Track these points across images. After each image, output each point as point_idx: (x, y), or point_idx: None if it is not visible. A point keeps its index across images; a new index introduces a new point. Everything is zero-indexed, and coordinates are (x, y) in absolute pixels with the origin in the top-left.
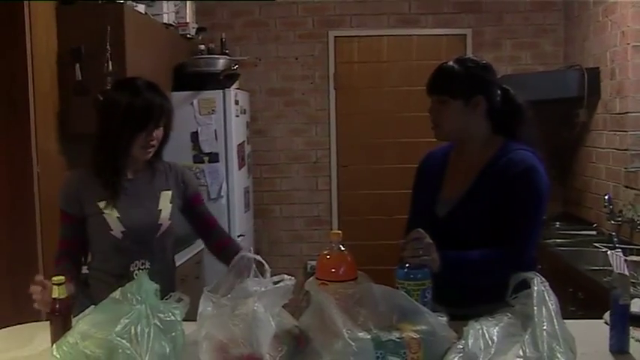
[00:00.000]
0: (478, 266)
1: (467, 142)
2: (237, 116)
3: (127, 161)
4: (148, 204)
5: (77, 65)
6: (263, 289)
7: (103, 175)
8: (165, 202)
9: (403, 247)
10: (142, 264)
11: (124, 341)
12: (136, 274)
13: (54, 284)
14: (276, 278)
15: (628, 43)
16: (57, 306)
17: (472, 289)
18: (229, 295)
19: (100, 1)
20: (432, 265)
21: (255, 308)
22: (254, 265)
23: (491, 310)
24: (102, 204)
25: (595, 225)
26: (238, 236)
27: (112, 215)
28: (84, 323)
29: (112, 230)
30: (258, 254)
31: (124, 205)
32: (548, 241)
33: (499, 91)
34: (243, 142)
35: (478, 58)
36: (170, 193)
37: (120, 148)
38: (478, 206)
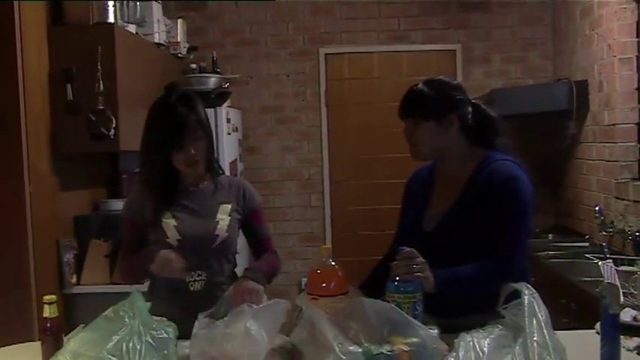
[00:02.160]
0: (471, 281)
1: (446, 159)
2: (229, 134)
3: (180, 175)
4: (206, 215)
5: (68, 85)
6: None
7: (157, 187)
8: (224, 215)
9: (397, 266)
10: (199, 275)
11: (115, 358)
12: (192, 285)
13: (45, 303)
14: (271, 302)
15: (614, 56)
16: (48, 325)
17: (461, 300)
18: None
19: (90, 22)
20: (426, 285)
21: (248, 325)
22: None
23: (480, 320)
24: (160, 212)
25: (587, 236)
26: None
27: (169, 224)
28: (75, 342)
29: (168, 238)
30: None
31: (182, 215)
32: (541, 253)
33: (470, 108)
34: (236, 159)
35: (447, 79)
36: (230, 206)
37: (161, 165)
38: (464, 219)
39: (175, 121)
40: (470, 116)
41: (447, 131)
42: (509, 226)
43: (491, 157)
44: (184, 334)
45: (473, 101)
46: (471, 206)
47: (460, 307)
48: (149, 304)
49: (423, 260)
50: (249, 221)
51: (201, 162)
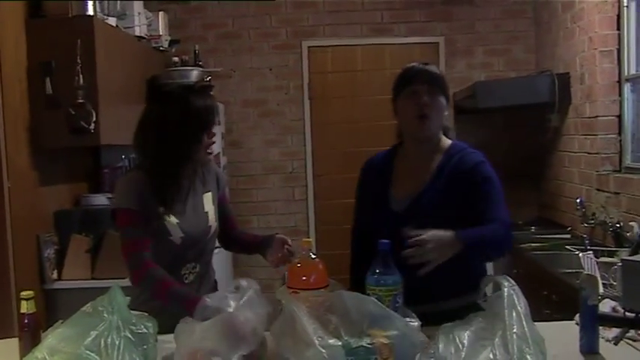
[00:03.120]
0: (490, 239)
1: (428, 142)
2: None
3: (181, 167)
4: (198, 208)
5: (47, 79)
6: (236, 301)
7: (164, 185)
8: (209, 204)
9: (412, 257)
10: (193, 267)
11: (93, 354)
12: (186, 277)
13: (22, 299)
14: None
15: (595, 49)
16: (25, 321)
17: (434, 286)
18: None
19: (69, 15)
20: (448, 253)
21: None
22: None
23: (452, 306)
24: (162, 211)
25: (569, 228)
26: (215, 248)
27: (171, 222)
28: (52, 338)
29: (171, 236)
30: (236, 266)
31: (180, 210)
32: (523, 245)
33: None
34: (219, 153)
35: None
36: (210, 194)
37: (183, 156)
38: (437, 199)
39: (210, 105)
40: None
41: (443, 116)
42: (497, 197)
43: (458, 146)
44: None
45: None
46: (443, 188)
47: (429, 294)
48: (129, 298)
49: (432, 238)
50: (221, 203)
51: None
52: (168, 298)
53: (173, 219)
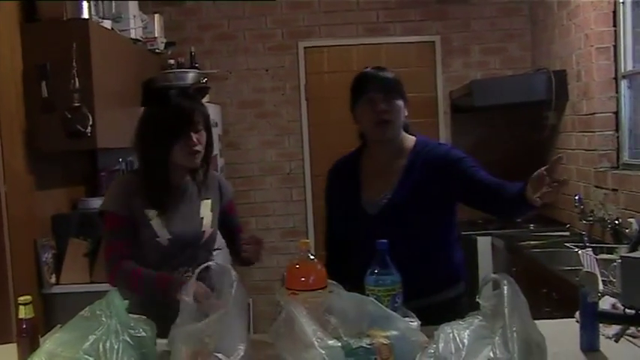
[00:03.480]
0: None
1: (390, 143)
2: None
3: (173, 170)
4: (192, 212)
5: (43, 82)
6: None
7: (151, 185)
8: (207, 211)
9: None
10: (186, 271)
11: (91, 358)
12: None
13: (20, 304)
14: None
15: (592, 46)
16: (23, 326)
17: (419, 282)
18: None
19: (64, 18)
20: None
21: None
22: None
23: (436, 301)
24: (149, 212)
25: (567, 225)
26: (214, 249)
27: (159, 223)
28: (51, 343)
29: (158, 238)
30: (234, 268)
31: (170, 213)
32: (522, 243)
33: None
34: (216, 155)
35: None
36: (210, 201)
37: (162, 158)
38: (412, 195)
39: (178, 111)
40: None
41: (403, 117)
42: (482, 170)
43: (424, 141)
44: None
45: None
46: (415, 184)
47: (420, 288)
48: (127, 302)
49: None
50: (225, 213)
51: (201, 154)
52: (142, 284)
53: (160, 220)
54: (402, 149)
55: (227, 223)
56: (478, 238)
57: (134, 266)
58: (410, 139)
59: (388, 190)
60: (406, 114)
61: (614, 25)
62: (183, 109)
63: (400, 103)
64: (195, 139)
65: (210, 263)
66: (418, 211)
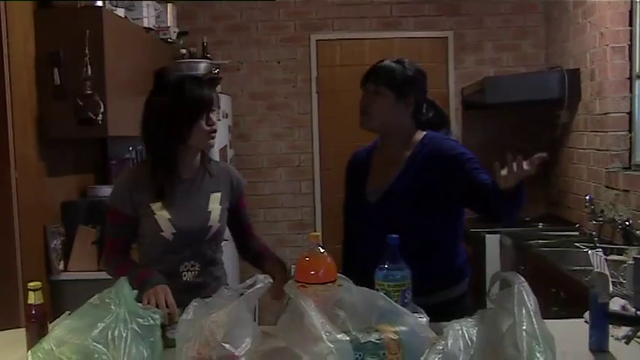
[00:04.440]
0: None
1: (391, 136)
2: (219, 120)
3: (182, 160)
4: (198, 206)
5: (55, 70)
6: (242, 292)
7: (159, 175)
8: (215, 204)
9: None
10: (192, 265)
11: (100, 346)
12: (185, 275)
13: (29, 290)
14: (249, 281)
15: (607, 45)
16: (32, 312)
17: (423, 280)
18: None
19: (78, 5)
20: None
21: (235, 309)
22: None
23: (441, 299)
24: (154, 205)
25: (577, 225)
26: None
27: (163, 217)
28: (60, 329)
29: (162, 232)
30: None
31: (175, 206)
32: (531, 242)
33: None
34: (226, 146)
35: (417, 64)
36: (219, 194)
37: (174, 146)
38: (410, 187)
39: (199, 93)
40: (424, 107)
41: (402, 110)
42: (485, 173)
43: (432, 135)
44: None
45: (428, 98)
46: (415, 176)
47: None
48: (136, 292)
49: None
50: (236, 208)
51: (216, 136)
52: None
53: (166, 214)
54: (408, 142)
55: (236, 218)
56: (486, 235)
57: (122, 262)
58: (419, 133)
59: (388, 180)
60: (403, 107)
61: (630, 25)
62: (202, 92)
63: (390, 95)
64: (213, 119)
65: None
66: (416, 202)
